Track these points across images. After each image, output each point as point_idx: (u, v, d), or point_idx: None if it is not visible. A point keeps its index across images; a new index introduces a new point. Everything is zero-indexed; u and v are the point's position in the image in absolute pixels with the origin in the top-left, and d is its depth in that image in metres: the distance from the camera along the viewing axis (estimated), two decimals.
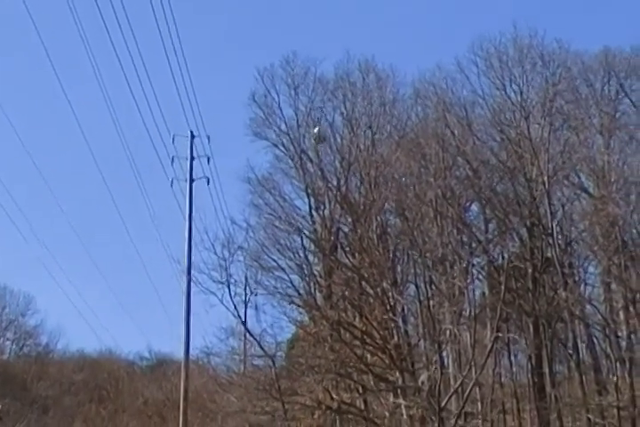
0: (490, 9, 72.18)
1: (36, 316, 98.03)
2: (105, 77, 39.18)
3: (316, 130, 49.07)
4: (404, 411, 38.00)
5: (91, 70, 37.33)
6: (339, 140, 49.69)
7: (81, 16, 32.76)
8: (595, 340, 45.40)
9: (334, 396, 41.56)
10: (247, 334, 51.09)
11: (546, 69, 46.21)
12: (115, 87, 41.64)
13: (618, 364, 42.11)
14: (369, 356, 41.04)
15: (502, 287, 39.01)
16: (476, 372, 35.96)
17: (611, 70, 47.04)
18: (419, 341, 41.71)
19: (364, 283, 42.42)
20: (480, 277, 47.76)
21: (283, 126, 50.53)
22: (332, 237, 47.47)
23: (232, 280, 44.48)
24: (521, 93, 46.05)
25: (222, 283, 44.08)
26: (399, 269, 44.38)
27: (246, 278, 46.27)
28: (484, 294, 48.58)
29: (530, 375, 45.19)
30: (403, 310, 41.92)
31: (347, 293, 44.33)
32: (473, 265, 45.59)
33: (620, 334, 43.01)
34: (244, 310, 48.46)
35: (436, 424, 33.06)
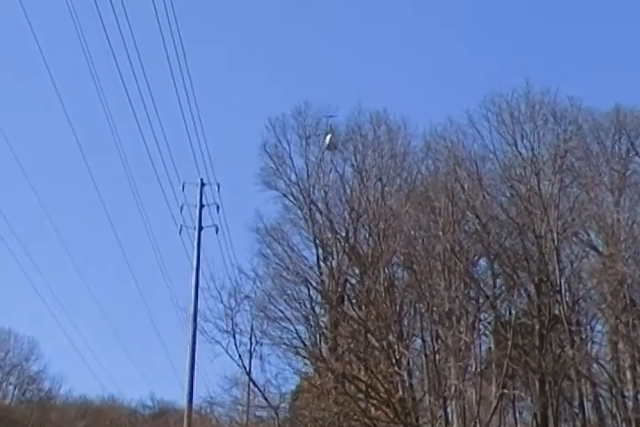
0: (503, 64, 72.66)
1: (39, 361, 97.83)
2: (118, 125, 39.37)
3: (328, 137, 48.86)
4: None
5: (104, 118, 37.50)
6: (348, 191, 49.76)
7: (96, 65, 33.02)
8: (601, 399, 45.04)
9: None
10: (251, 385, 50.94)
11: (557, 126, 46.39)
12: (127, 134, 41.83)
13: (624, 424, 41.70)
14: (373, 409, 40.74)
15: (509, 343, 38.87)
16: None
17: (622, 128, 47.21)
18: (424, 395, 41.33)
19: (369, 336, 42.24)
20: (487, 332, 47.50)
21: (293, 177, 50.71)
22: (339, 289, 47.34)
23: (238, 330, 44.44)
24: (532, 149, 46.15)
25: (228, 332, 44.02)
26: (406, 322, 44.12)
27: (252, 328, 46.20)
28: (490, 349, 48.29)
29: None
30: (408, 363, 41.60)
31: (352, 345, 44.13)
32: (480, 320, 45.33)
33: (626, 393, 42.65)
34: (248, 360, 48.22)
35: None
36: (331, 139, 48.64)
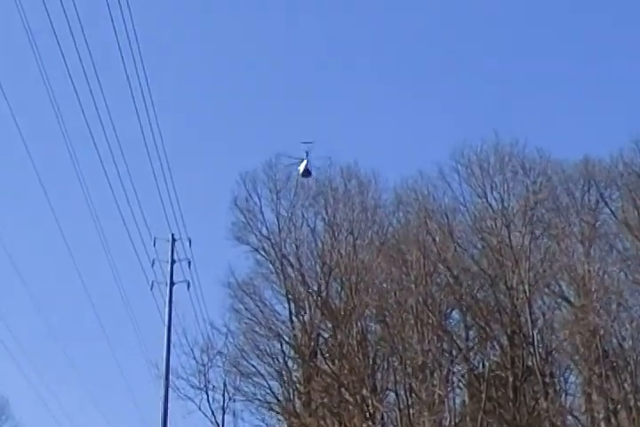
0: (472, 115, 73.13)
1: (9, 422, 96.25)
2: (88, 180, 39.22)
3: (303, 163, 48.78)
4: None
5: (74, 174, 37.40)
6: (320, 245, 49.68)
7: (65, 118, 33.01)
8: None
9: None
10: None
11: (527, 178, 46.66)
12: (97, 189, 41.65)
13: None
14: None
15: (483, 396, 38.81)
16: None
17: (591, 179, 47.47)
18: None
19: (343, 390, 42.06)
20: (461, 385, 47.26)
21: (264, 231, 50.51)
22: (312, 343, 47.11)
23: (210, 386, 44.26)
24: (502, 201, 46.35)
25: (200, 389, 43.84)
26: (379, 376, 43.95)
27: (225, 384, 45.96)
28: (464, 402, 48.01)
29: None
30: (382, 417, 41.44)
31: (326, 400, 43.91)
32: (453, 373, 45.19)
33: None
34: (221, 417, 47.83)
35: None
36: (306, 166, 48.65)
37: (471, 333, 46.49)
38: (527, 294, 42.54)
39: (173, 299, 47.39)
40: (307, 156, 48.04)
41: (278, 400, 45.52)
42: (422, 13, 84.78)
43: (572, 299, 45.22)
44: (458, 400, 47.59)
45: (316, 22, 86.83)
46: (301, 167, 48.51)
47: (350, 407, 40.88)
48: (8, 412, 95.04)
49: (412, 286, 42.15)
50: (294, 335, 48.20)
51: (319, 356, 47.88)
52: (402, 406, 40.68)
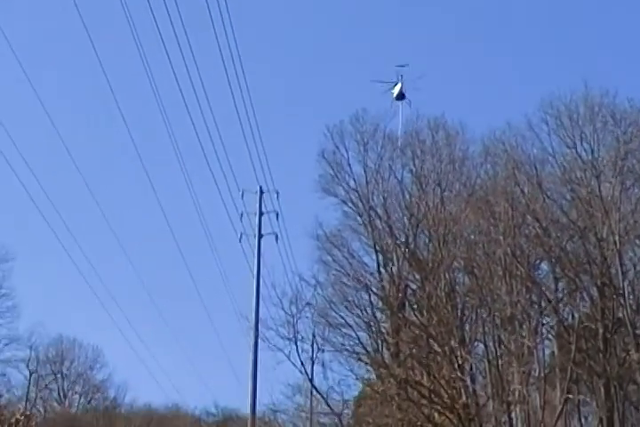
0: (561, 66, 72.06)
1: (104, 370, 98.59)
2: (177, 134, 39.78)
3: (398, 86, 48.60)
4: None
5: (163, 127, 37.92)
6: (407, 197, 49.65)
7: (156, 78, 33.44)
8: None
9: None
10: (314, 392, 51.09)
11: (617, 128, 45.88)
12: (186, 143, 42.23)
13: None
14: (437, 415, 40.64)
15: (572, 348, 38.61)
16: None
17: None
18: (487, 401, 41.14)
19: (431, 341, 42.17)
20: (550, 336, 47.15)
21: (352, 183, 50.62)
22: (400, 295, 47.26)
23: (299, 337, 44.62)
24: (592, 152, 45.70)
25: (290, 339, 44.21)
26: (467, 327, 43.95)
27: (314, 335, 46.33)
28: (553, 354, 47.94)
29: None
30: (471, 369, 41.45)
31: (414, 351, 44.09)
32: (542, 325, 45.04)
33: None
34: (310, 367, 48.44)
35: None
36: (400, 89, 48.39)
37: (560, 284, 46.18)
38: (617, 245, 42.10)
39: (262, 251, 48.02)
40: (401, 79, 47.81)
41: (367, 351, 45.80)
42: None
43: None
44: (547, 352, 47.61)
45: None
46: (396, 90, 48.35)
47: (439, 358, 41.02)
48: (102, 361, 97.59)
49: (501, 237, 41.93)
50: (382, 287, 48.40)
51: (407, 307, 48.04)
52: (490, 358, 40.70)
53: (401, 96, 49.00)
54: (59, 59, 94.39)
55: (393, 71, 50.50)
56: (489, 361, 40.68)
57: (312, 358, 47.95)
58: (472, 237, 44.41)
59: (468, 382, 40.18)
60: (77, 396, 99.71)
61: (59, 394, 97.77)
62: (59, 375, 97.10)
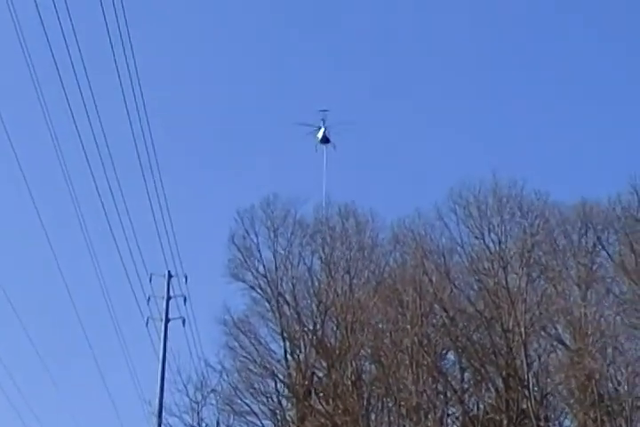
0: (470, 156, 73.28)
1: None
2: (86, 216, 39.37)
3: (321, 131, 48.58)
4: None
5: (72, 209, 37.52)
6: (316, 283, 49.58)
7: (66, 157, 33.20)
8: None
9: None
10: None
11: (524, 220, 46.69)
12: (95, 226, 41.74)
13: None
14: None
15: None
16: None
17: (588, 222, 47.40)
18: None
19: None
20: None
21: (261, 269, 50.38)
22: (307, 382, 46.85)
23: (203, 424, 43.91)
24: (499, 243, 46.30)
25: None
26: (373, 416, 43.69)
27: (218, 423, 45.63)
28: None
29: None
30: None
31: None
32: (448, 415, 44.93)
33: None
34: None
35: None
36: (324, 133, 48.54)
37: (466, 374, 46.28)
38: (523, 336, 42.43)
39: (168, 335, 47.39)
40: (324, 123, 48.12)
41: None
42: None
43: (567, 342, 45.03)
44: None
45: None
46: (320, 134, 48.60)
47: None
48: None
49: (408, 326, 42.03)
50: (289, 374, 47.98)
51: (313, 395, 47.58)
52: None
53: (325, 140, 49.41)
54: None
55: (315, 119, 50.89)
56: None
57: None
58: (380, 325, 44.44)
59: None
60: None
61: None
62: None
